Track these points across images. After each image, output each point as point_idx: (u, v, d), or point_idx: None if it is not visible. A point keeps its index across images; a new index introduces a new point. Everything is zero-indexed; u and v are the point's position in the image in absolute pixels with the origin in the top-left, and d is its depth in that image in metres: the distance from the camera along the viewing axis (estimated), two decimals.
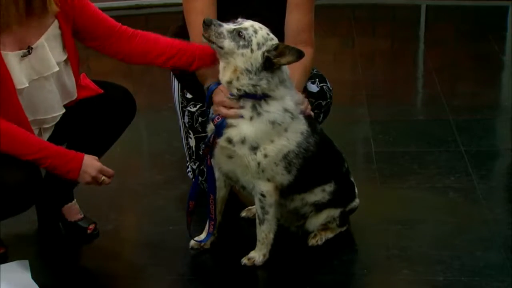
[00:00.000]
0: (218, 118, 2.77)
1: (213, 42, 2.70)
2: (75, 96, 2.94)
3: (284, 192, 2.87)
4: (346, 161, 3.04)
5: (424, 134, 4.06)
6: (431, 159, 3.77)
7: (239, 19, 2.75)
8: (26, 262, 2.85)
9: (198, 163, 3.35)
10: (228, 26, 2.70)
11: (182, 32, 3.21)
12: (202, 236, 3.01)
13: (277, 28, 3.09)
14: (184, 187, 3.51)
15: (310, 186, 2.92)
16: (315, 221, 3.00)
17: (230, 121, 2.75)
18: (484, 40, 5.60)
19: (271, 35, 2.73)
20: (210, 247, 3.00)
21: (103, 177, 2.79)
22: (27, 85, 2.74)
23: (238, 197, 3.27)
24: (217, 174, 2.93)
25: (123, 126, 3.10)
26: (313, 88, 3.23)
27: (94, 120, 3.00)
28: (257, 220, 2.88)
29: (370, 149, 3.88)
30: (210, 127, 2.84)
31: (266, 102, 2.73)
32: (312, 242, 3.02)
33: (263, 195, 2.82)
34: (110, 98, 3.02)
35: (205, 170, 2.98)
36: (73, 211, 3.18)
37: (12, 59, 2.70)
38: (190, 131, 3.33)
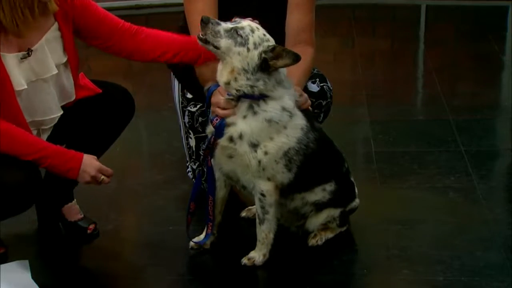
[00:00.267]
0: (216, 120, 2.77)
1: (208, 42, 2.70)
2: (73, 97, 2.94)
3: (285, 191, 2.87)
4: (346, 161, 3.04)
5: (424, 134, 4.06)
6: (431, 159, 3.77)
7: (237, 19, 2.75)
8: (26, 262, 2.85)
9: (198, 163, 3.36)
10: (226, 25, 2.70)
11: (182, 33, 3.21)
12: (201, 236, 3.01)
13: (278, 28, 3.09)
14: (184, 187, 3.52)
15: (310, 185, 2.92)
16: (315, 221, 3.00)
17: (228, 120, 2.75)
18: (484, 40, 5.60)
19: (268, 36, 2.73)
20: (210, 247, 3.00)
21: (103, 177, 2.79)
22: (26, 86, 2.74)
23: (238, 197, 3.27)
24: (217, 174, 2.93)
25: (122, 125, 3.10)
26: (314, 88, 3.23)
27: (93, 120, 3.00)
28: (257, 220, 2.88)
29: (370, 149, 3.88)
30: (210, 128, 2.85)
31: (265, 102, 2.73)
32: (312, 242, 3.02)
33: (263, 195, 2.82)
34: (109, 98, 3.02)
35: (205, 170, 2.98)
36: (73, 211, 3.18)
37: (11, 60, 2.70)
38: (190, 131, 3.34)
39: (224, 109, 2.75)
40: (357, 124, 4.25)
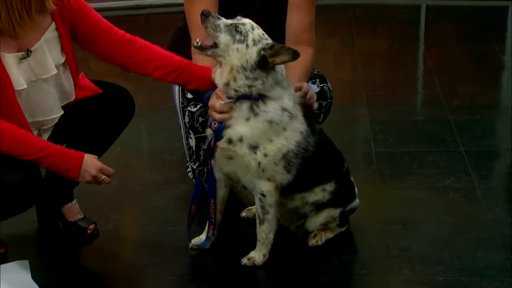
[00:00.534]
0: (215, 124, 2.77)
1: (205, 49, 2.69)
2: (73, 97, 2.94)
3: (285, 192, 2.87)
4: (346, 161, 3.04)
5: (424, 134, 4.06)
6: (431, 159, 3.77)
7: (238, 17, 2.76)
8: (26, 262, 2.85)
9: (198, 163, 3.36)
10: (226, 21, 2.71)
11: (182, 33, 3.21)
12: (202, 237, 3.01)
13: (278, 29, 3.10)
14: (184, 187, 3.52)
15: (310, 185, 2.92)
16: (315, 221, 3.00)
17: (227, 123, 2.75)
18: (484, 40, 5.60)
19: (266, 36, 2.73)
20: (210, 247, 3.00)
21: (104, 176, 2.79)
22: (26, 86, 2.74)
23: (238, 197, 3.27)
24: (218, 175, 2.93)
25: (122, 125, 3.10)
26: (314, 88, 3.22)
27: (93, 119, 3.00)
28: (257, 220, 2.89)
29: (370, 149, 3.88)
30: (209, 131, 2.85)
31: (264, 102, 2.73)
32: (312, 242, 3.02)
33: (263, 195, 2.82)
34: (109, 98, 3.02)
35: (206, 171, 2.98)
36: (73, 211, 3.18)
37: (10, 60, 2.70)
38: (190, 131, 3.33)
39: (220, 112, 2.75)
40: (357, 124, 4.25)
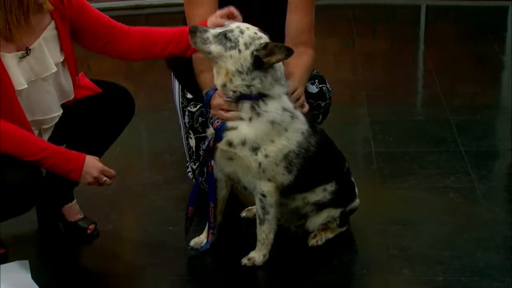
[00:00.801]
0: (217, 122, 2.77)
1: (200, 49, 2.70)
2: (72, 96, 2.94)
3: (286, 192, 2.87)
4: (346, 161, 3.04)
5: (424, 134, 4.06)
6: (431, 159, 3.77)
7: (226, 23, 2.75)
8: (26, 262, 2.85)
9: (198, 163, 3.36)
10: (214, 31, 2.70)
11: None
12: (202, 237, 3.01)
13: (279, 30, 3.10)
14: (184, 187, 3.52)
15: (311, 186, 2.92)
16: (315, 221, 3.00)
17: (230, 124, 2.75)
18: (484, 40, 5.60)
19: (260, 34, 2.72)
20: (210, 247, 2.99)
21: (105, 178, 2.79)
22: (26, 86, 2.74)
23: (239, 197, 3.27)
24: (218, 175, 2.93)
25: (122, 125, 3.10)
26: (313, 89, 3.23)
27: (93, 119, 3.00)
28: (257, 220, 2.89)
29: (370, 149, 3.88)
30: (210, 131, 2.85)
31: (264, 102, 2.73)
32: (312, 242, 3.02)
33: (263, 195, 2.82)
34: (109, 97, 3.02)
35: (205, 171, 2.98)
36: (73, 211, 3.18)
37: (11, 60, 2.70)
38: (190, 131, 3.34)
39: (227, 111, 2.75)
40: (357, 124, 4.25)
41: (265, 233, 2.88)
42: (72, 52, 2.90)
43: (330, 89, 3.29)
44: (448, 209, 3.31)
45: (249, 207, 3.23)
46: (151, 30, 2.96)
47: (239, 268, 2.88)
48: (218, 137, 2.78)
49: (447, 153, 3.83)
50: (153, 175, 3.71)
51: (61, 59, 2.86)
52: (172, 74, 3.37)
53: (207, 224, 2.97)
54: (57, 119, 2.90)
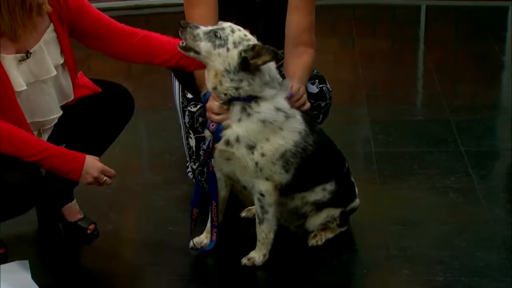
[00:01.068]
0: (213, 125, 2.78)
1: (189, 49, 2.70)
2: (71, 97, 2.94)
3: (284, 191, 2.87)
4: (346, 161, 3.04)
5: (424, 134, 4.06)
6: (431, 159, 3.77)
7: (219, 22, 2.76)
8: (26, 262, 2.85)
9: (198, 163, 3.36)
10: (205, 28, 2.71)
11: None
12: (203, 237, 3.01)
13: (280, 30, 3.10)
14: (184, 187, 3.52)
15: (311, 185, 2.92)
16: (315, 221, 3.00)
17: (224, 124, 2.76)
18: (484, 40, 5.60)
19: (249, 36, 2.72)
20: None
21: (105, 178, 2.79)
22: (25, 87, 2.74)
23: (239, 197, 3.27)
24: (218, 175, 2.93)
25: (121, 124, 3.10)
26: (313, 89, 3.23)
27: (92, 118, 3.00)
28: (257, 220, 2.89)
29: (370, 149, 3.88)
30: (207, 133, 2.85)
31: (257, 103, 2.73)
32: (312, 242, 3.02)
33: (262, 195, 2.82)
34: (108, 96, 3.02)
35: (206, 172, 2.98)
36: (73, 211, 3.18)
37: (10, 62, 2.70)
38: (190, 131, 3.34)
39: (217, 114, 2.76)
40: (357, 124, 4.25)
41: (264, 232, 2.88)
42: (72, 53, 2.90)
43: (330, 89, 3.29)
44: (448, 209, 3.31)
45: (249, 207, 3.23)
46: (158, 37, 2.94)
47: (239, 268, 2.88)
48: (216, 138, 2.78)
49: (447, 153, 3.83)
50: (153, 175, 3.71)
51: (61, 61, 2.86)
52: (173, 74, 3.37)
53: (210, 224, 2.97)
54: (56, 120, 2.90)
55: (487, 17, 6.22)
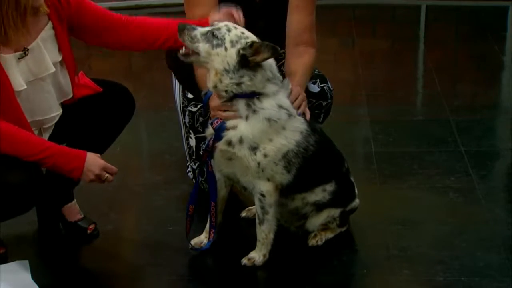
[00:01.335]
0: (217, 122, 2.77)
1: (189, 55, 2.71)
2: (70, 95, 2.94)
3: (285, 192, 2.87)
4: (346, 161, 3.04)
5: (424, 134, 4.06)
6: (431, 159, 3.77)
7: (215, 22, 2.76)
8: (26, 262, 2.85)
9: (198, 163, 3.36)
10: (202, 29, 2.71)
11: None
12: (202, 237, 3.01)
13: (281, 30, 3.10)
14: (184, 187, 3.52)
15: (311, 186, 2.92)
16: (315, 221, 3.00)
17: (229, 123, 2.75)
18: (484, 40, 5.60)
19: (247, 34, 2.72)
20: (210, 247, 2.99)
21: (107, 175, 2.78)
22: (25, 87, 2.74)
23: (239, 197, 3.27)
24: (217, 175, 2.93)
25: (122, 124, 3.11)
26: (314, 88, 3.23)
27: (93, 118, 3.01)
28: (257, 220, 2.89)
29: (370, 149, 3.88)
30: (209, 131, 2.85)
31: (259, 99, 2.73)
32: (312, 242, 3.02)
33: (263, 195, 2.82)
34: (109, 96, 3.03)
35: (205, 171, 2.98)
36: (73, 211, 3.18)
37: (9, 61, 2.70)
38: (190, 131, 3.34)
39: (225, 110, 2.75)
40: (357, 124, 4.25)
41: (264, 233, 2.88)
42: (70, 51, 2.90)
43: (331, 89, 3.29)
44: (448, 209, 3.31)
45: (249, 207, 3.23)
46: (153, 21, 2.95)
47: (239, 268, 2.88)
48: (217, 136, 2.78)
49: (447, 153, 3.83)
50: (153, 175, 3.71)
51: (59, 58, 2.86)
52: (173, 74, 3.37)
53: (209, 224, 2.97)
54: (57, 118, 2.90)
55: (487, 17, 6.22)
